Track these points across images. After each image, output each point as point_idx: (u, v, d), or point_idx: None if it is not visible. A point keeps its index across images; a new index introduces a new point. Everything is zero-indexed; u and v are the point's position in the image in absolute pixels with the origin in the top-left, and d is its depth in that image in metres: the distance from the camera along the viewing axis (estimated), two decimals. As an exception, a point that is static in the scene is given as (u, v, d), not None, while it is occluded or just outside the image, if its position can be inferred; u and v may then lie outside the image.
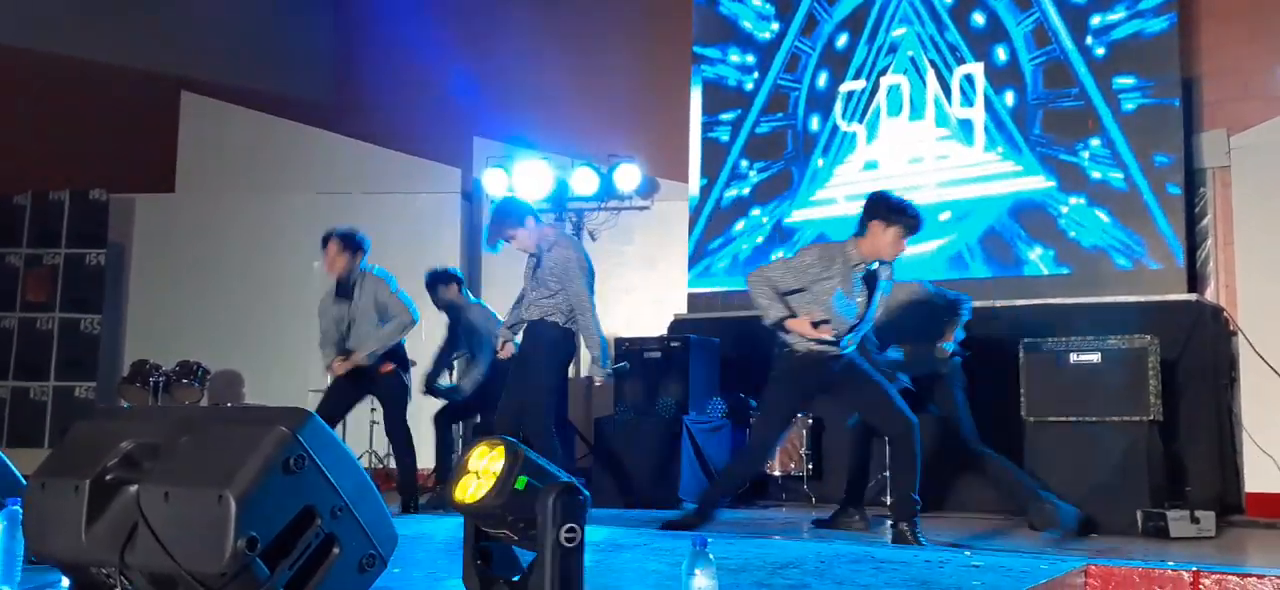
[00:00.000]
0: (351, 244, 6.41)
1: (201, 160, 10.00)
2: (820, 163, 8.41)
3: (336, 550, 2.26)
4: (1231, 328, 7.01)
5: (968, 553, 4.03)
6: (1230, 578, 3.45)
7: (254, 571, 2.14)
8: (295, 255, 9.65)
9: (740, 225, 8.69)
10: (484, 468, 2.10)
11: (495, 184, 9.32)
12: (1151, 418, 5.79)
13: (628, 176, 9.03)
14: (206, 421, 2.53)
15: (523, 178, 9.06)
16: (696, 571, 2.04)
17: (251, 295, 9.47)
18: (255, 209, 9.67)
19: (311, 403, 8.56)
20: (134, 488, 2.35)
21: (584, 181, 9.07)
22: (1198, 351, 6.73)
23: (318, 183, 9.75)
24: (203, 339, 9.09)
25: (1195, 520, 5.42)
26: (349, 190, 9.68)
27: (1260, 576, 3.39)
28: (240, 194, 9.75)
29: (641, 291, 9.02)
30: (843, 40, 8.40)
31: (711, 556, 2.06)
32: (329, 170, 9.83)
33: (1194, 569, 3.51)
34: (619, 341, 7.99)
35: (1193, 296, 7.00)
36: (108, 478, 2.40)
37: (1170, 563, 3.57)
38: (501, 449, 2.08)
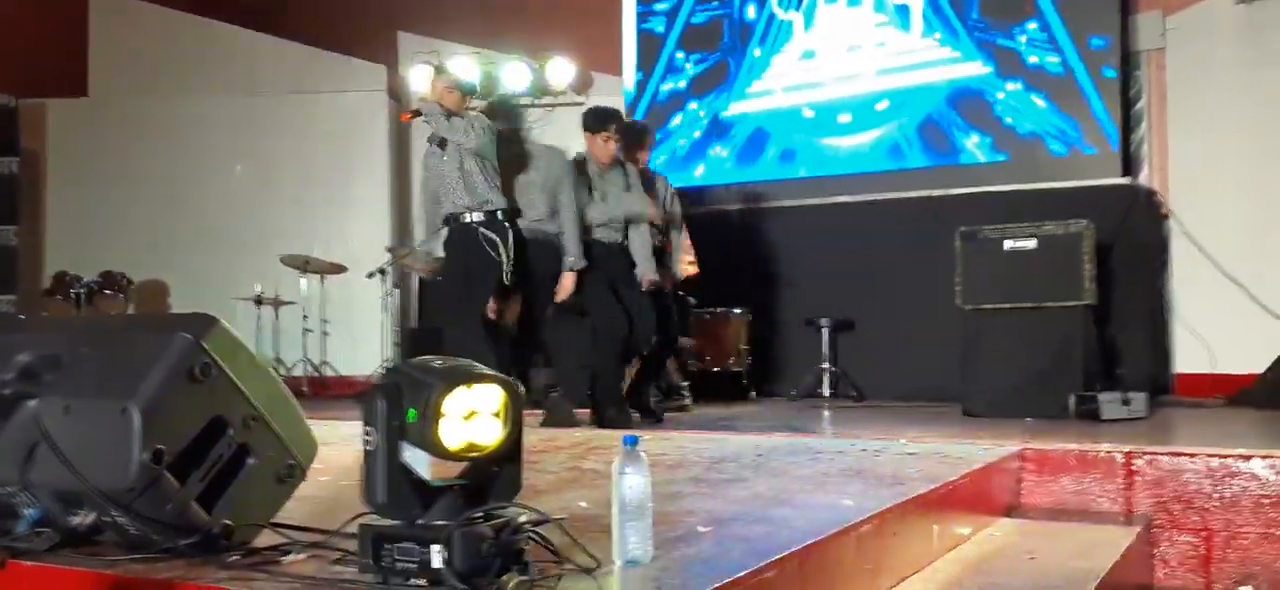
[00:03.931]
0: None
1: (115, 62, 9.58)
2: (757, 53, 8.27)
3: (251, 460, 2.15)
4: (1164, 211, 7.08)
5: (903, 441, 4.04)
6: (1161, 456, 3.49)
7: (163, 485, 2.03)
8: (217, 158, 9.36)
9: (677, 119, 8.55)
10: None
11: (421, 80, 9.04)
12: (1086, 302, 5.84)
13: (560, 71, 8.82)
14: (108, 331, 2.39)
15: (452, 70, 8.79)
16: (629, 469, 1.97)
17: (173, 201, 9.18)
18: (174, 112, 9.31)
19: (240, 310, 8.41)
20: (33, 402, 2.22)
21: (515, 77, 8.85)
22: (1131, 236, 6.81)
23: (238, 84, 9.41)
24: (125, 248, 8.81)
25: (1126, 402, 5.49)
26: (271, 91, 9.36)
27: (1191, 454, 3.44)
28: (158, 97, 9.36)
29: (578, 189, 8.87)
30: (779, -75, 8.22)
31: (643, 453, 1.99)
32: (249, 71, 9.48)
33: (1127, 450, 3.55)
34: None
35: (1127, 181, 7.05)
36: (4, 392, 2.26)
37: (1105, 445, 3.60)
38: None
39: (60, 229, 9.37)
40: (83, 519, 2.16)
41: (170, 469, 2.03)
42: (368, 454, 1.86)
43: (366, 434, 1.85)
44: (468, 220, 5.33)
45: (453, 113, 5.36)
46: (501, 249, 5.33)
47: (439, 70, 5.97)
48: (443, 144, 5.36)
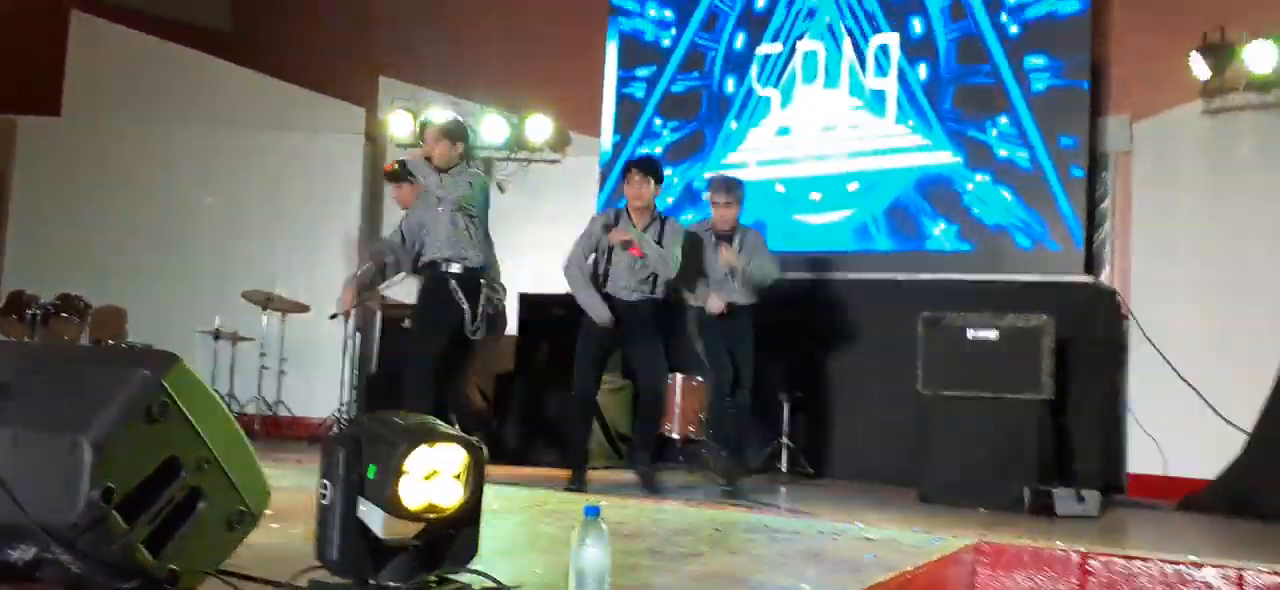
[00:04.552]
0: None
1: (90, 84, 9.49)
2: (734, 125, 8.35)
3: (202, 504, 2.11)
4: (1124, 311, 7.17)
5: (860, 525, 4.04)
6: (1116, 560, 3.50)
7: (111, 525, 1.98)
8: (186, 188, 9.28)
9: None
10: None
11: (401, 126, 9.05)
12: (1044, 396, 5.89)
13: (539, 128, 8.85)
14: (63, 361, 2.35)
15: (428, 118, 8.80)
16: (588, 541, 1.95)
17: (139, 228, 9.07)
18: (146, 138, 9.24)
19: (198, 343, 8.29)
20: (-21, 429, 2.16)
21: (493, 130, 8.87)
22: (1091, 333, 6.88)
23: (213, 114, 9.36)
24: (85, 271, 8.66)
25: (1080, 499, 5.52)
26: (246, 124, 9.31)
27: (1145, 558, 3.45)
28: (130, 121, 9.29)
29: (549, 247, 8.84)
30: (762, 1, 8.33)
31: (603, 526, 1.97)
32: (225, 102, 9.43)
33: (1082, 550, 3.56)
34: (523, 298, 7.86)
35: (1089, 278, 7.15)
36: (-49, 419, 2.20)
37: (1059, 543, 3.61)
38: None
39: (21, 247, 9.22)
40: (22, 554, 2.10)
41: (119, 509, 1.98)
42: (323, 507, 1.83)
43: (323, 487, 1.83)
44: (444, 270, 5.39)
45: (441, 167, 5.40)
46: (466, 301, 5.35)
47: (427, 124, 5.97)
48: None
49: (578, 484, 5.43)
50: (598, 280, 5.76)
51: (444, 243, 5.38)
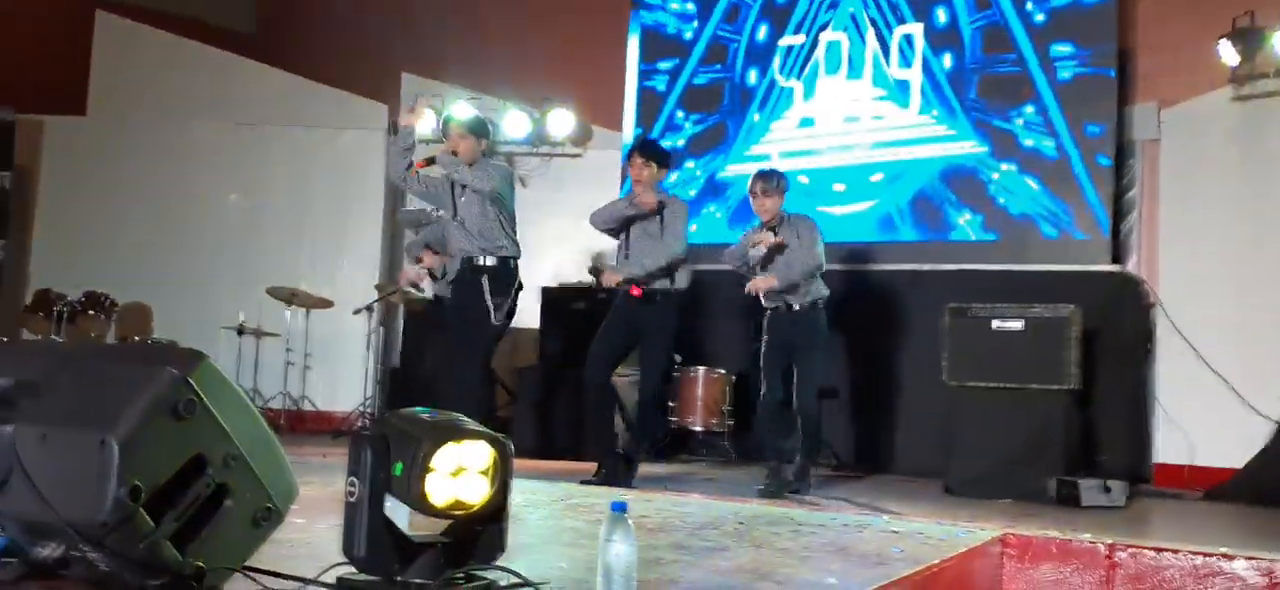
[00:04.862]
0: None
1: (115, 83, 9.56)
2: (756, 117, 8.32)
3: (229, 502, 2.11)
4: (1151, 300, 7.10)
5: (885, 518, 4.02)
6: (1145, 551, 3.47)
7: (137, 522, 1.98)
8: (211, 186, 9.34)
9: (674, 177, 8.55)
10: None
11: (422, 122, 9.05)
12: (1070, 386, 5.84)
13: (561, 122, 8.85)
14: (90, 359, 2.36)
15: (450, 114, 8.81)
16: (615, 537, 1.94)
17: (164, 226, 9.13)
18: (171, 137, 9.30)
19: (222, 339, 8.35)
20: (9, 428, 2.18)
21: (515, 124, 8.88)
22: (1118, 322, 6.82)
23: (237, 113, 9.40)
24: (111, 270, 8.73)
25: (1106, 490, 5.48)
26: (270, 121, 9.36)
27: (1175, 550, 3.41)
28: (155, 120, 9.35)
29: (571, 241, 8.86)
30: (785, -8, 8.30)
31: (630, 523, 1.96)
32: (249, 100, 9.47)
33: (1109, 542, 3.52)
34: (545, 291, 7.86)
35: (1116, 268, 7.08)
36: (-21, 416, 2.21)
37: (1086, 535, 3.58)
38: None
39: (48, 246, 9.30)
40: (51, 552, 2.11)
41: (146, 506, 1.99)
42: (350, 505, 1.83)
43: (350, 484, 1.83)
44: (480, 263, 5.42)
45: (465, 162, 5.45)
46: (497, 295, 5.37)
47: (449, 121, 5.99)
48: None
49: (602, 477, 5.42)
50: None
51: (477, 233, 5.43)
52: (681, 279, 5.73)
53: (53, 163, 9.44)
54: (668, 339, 5.82)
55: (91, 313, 8.35)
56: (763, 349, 5.74)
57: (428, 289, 7.92)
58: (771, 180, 5.79)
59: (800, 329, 5.65)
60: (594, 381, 5.77)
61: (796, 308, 5.65)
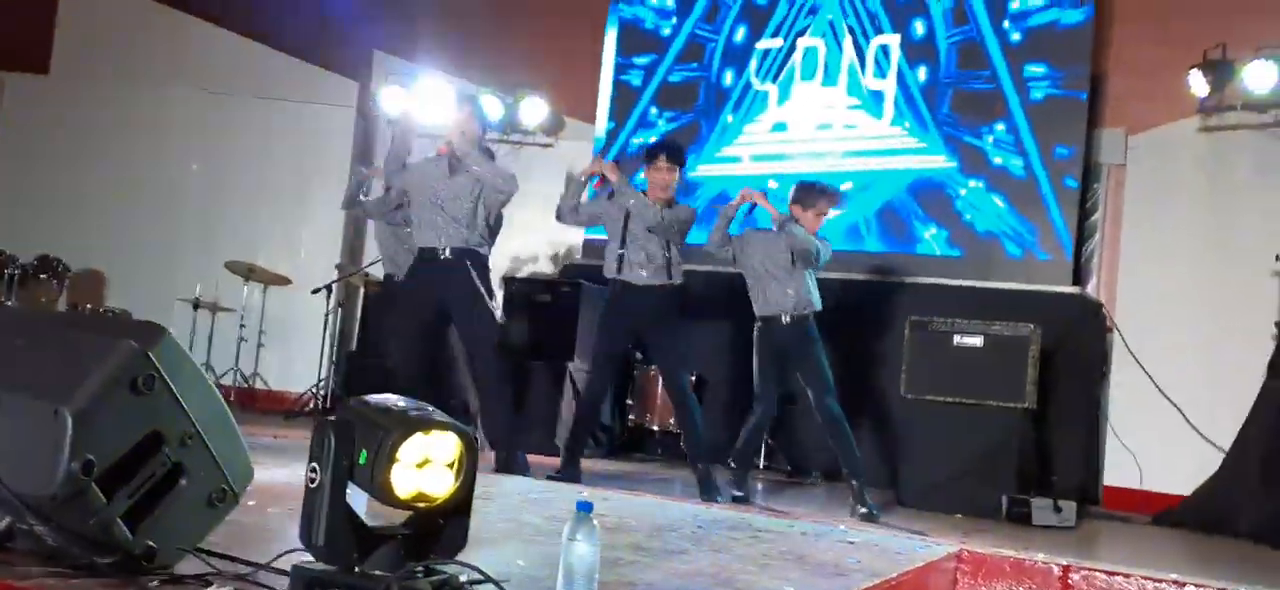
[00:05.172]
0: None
1: (80, 43, 9.38)
2: (730, 119, 8.32)
3: (184, 481, 2.06)
4: (1108, 324, 7.19)
5: (842, 527, 4.02)
6: (1098, 574, 3.50)
7: (89, 497, 1.93)
8: (173, 154, 9.18)
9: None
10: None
11: (393, 102, 8.97)
12: (1026, 405, 5.88)
13: (533, 110, 8.78)
14: (48, 327, 2.29)
15: (423, 98, 8.72)
16: (579, 536, 1.92)
17: (123, 192, 8.97)
18: (135, 100, 9.13)
19: (178, 312, 8.21)
20: (-43, 394, 2.11)
21: (488, 110, 8.78)
22: (1075, 344, 6.89)
23: (204, 79, 9.24)
24: (66, 234, 8.52)
25: (1058, 509, 5.53)
26: (237, 91, 9.20)
27: (1127, 574, 3.45)
28: (120, 83, 9.17)
29: (538, 232, 8.81)
30: (764, -5, 8.30)
31: (595, 523, 1.94)
32: (217, 68, 9.31)
33: (1064, 563, 3.55)
34: (509, 282, 7.81)
35: (1076, 290, 7.16)
36: (-73, 380, 2.14)
37: (1041, 556, 3.60)
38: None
39: (2, 206, 9.10)
40: (-5, 523, 2.06)
41: (99, 482, 1.93)
42: (310, 491, 1.79)
43: (311, 470, 1.79)
44: (446, 256, 5.23)
45: (466, 148, 5.27)
46: (484, 283, 5.27)
47: (464, 100, 5.76)
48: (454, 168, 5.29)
49: (566, 475, 5.34)
50: (615, 267, 5.53)
51: (464, 226, 5.24)
52: (677, 275, 5.55)
53: (11, 120, 9.25)
54: (677, 330, 5.56)
55: (43, 277, 8.14)
56: (755, 363, 5.58)
57: (378, 271, 7.82)
58: (812, 191, 5.64)
59: (793, 339, 5.46)
60: (596, 396, 5.60)
61: (786, 320, 5.46)
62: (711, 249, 5.74)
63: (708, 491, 5.17)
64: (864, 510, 5.05)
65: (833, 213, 5.81)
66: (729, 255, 5.71)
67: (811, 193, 5.59)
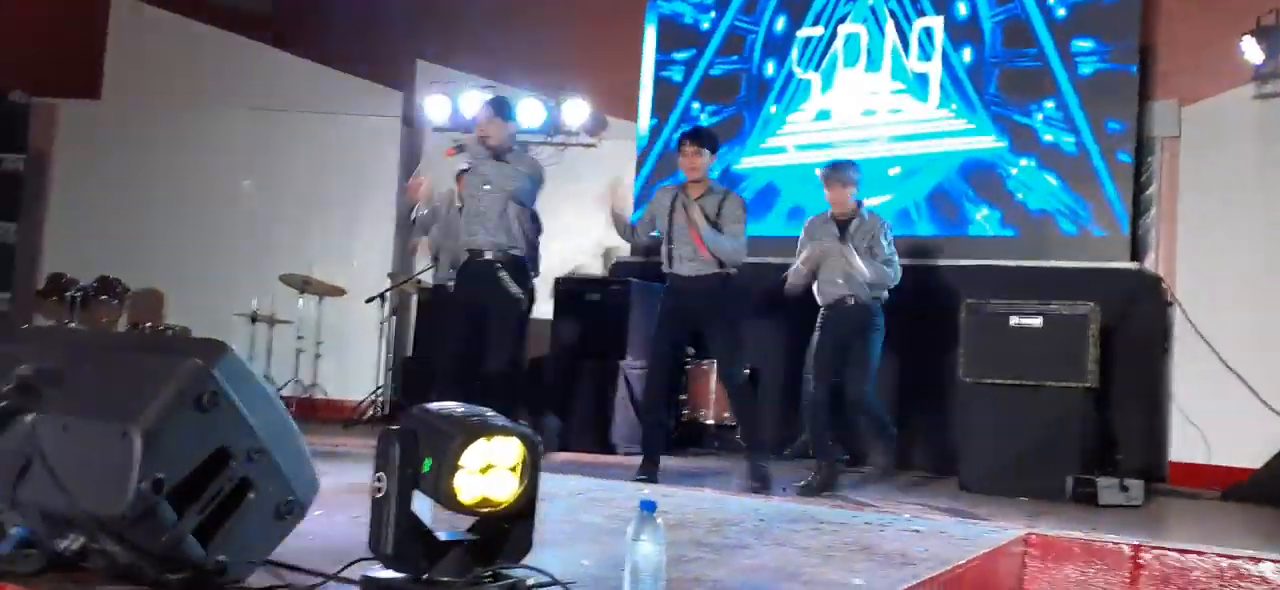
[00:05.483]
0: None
1: (130, 67, 9.54)
2: (773, 109, 8.26)
3: (252, 495, 2.08)
4: (1169, 299, 7.05)
5: (907, 516, 3.98)
6: (1170, 553, 3.43)
7: (160, 515, 1.96)
8: (225, 172, 9.31)
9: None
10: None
11: (437, 110, 9.04)
12: (1088, 385, 5.80)
13: (575, 111, 8.80)
14: (114, 349, 2.33)
15: (466, 105, 8.78)
16: (644, 536, 1.91)
17: (177, 212, 9.11)
18: (185, 122, 9.27)
19: (236, 326, 8.34)
20: (30, 417, 2.15)
21: (530, 113, 8.81)
22: (1135, 320, 6.77)
23: (251, 98, 9.36)
24: (124, 255, 8.70)
25: (1124, 488, 5.44)
26: (284, 107, 9.31)
27: (1200, 552, 3.38)
28: (170, 105, 9.32)
29: (585, 233, 8.83)
30: (803, -16, 8.24)
31: (660, 523, 1.93)
32: (264, 85, 9.43)
33: (1134, 543, 3.49)
34: (559, 282, 7.83)
35: (1134, 265, 7.03)
36: (1, 404, 2.19)
37: (1110, 536, 3.54)
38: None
39: (61, 230, 9.30)
40: (71, 543, 2.09)
41: (168, 499, 1.96)
42: (376, 501, 1.80)
43: (377, 480, 1.80)
44: (488, 258, 5.31)
45: (498, 150, 5.33)
46: (520, 289, 5.30)
47: (485, 104, 5.81)
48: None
49: (646, 475, 5.35)
50: (667, 262, 5.58)
51: (495, 229, 5.31)
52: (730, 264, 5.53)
53: (67, 146, 9.43)
54: (733, 322, 5.57)
55: (103, 298, 8.33)
56: (814, 345, 5.60)
57: (428, 278, 7.88)
58: (841, 170, 5.68)
59: (854, 324, 5.50)
60: (655, 392, 5.62)
61: (852, 303, 5.51)
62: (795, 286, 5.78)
63: (760, 482, 5.17)
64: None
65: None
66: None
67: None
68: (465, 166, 5.80)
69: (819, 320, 5.68)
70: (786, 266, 5.89)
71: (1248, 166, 6.92)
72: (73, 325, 8.03)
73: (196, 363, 2.02)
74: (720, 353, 5.57)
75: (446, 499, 1.72)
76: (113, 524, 1.96)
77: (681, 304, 5.50)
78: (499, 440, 1.77)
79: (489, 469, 1.76)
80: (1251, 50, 6.59)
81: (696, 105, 8.57)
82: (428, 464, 1.74)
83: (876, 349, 5.59)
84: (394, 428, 1.82)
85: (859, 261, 5.51)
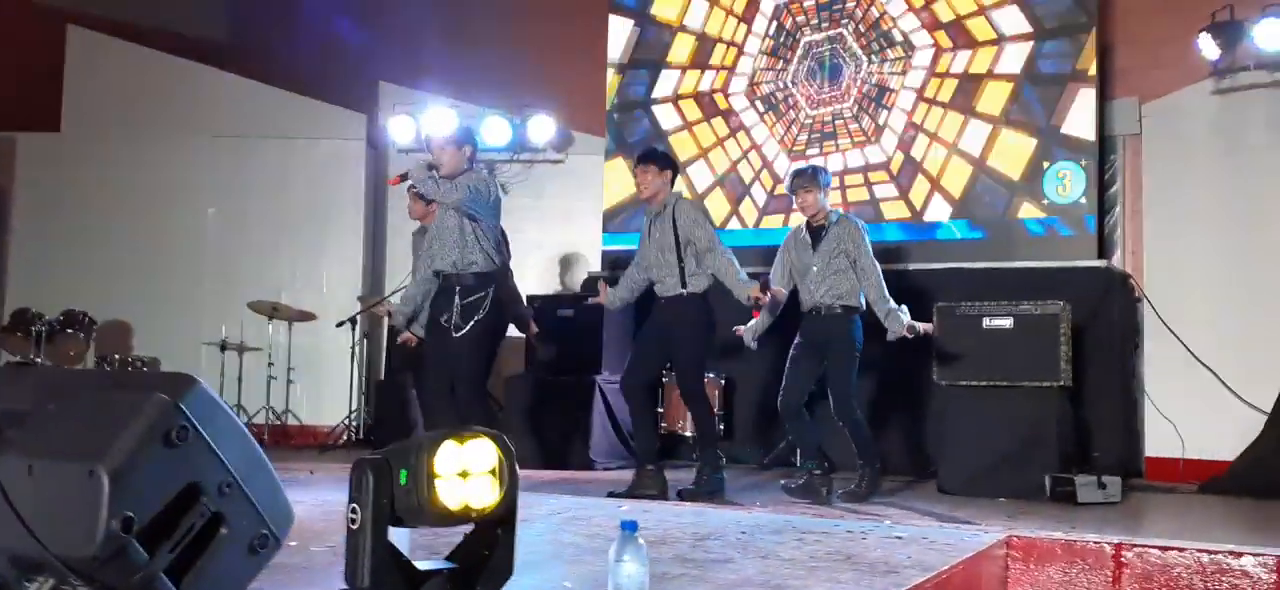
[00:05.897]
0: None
1: (89, 99, 9.39)
2: (738, 120, 8.27)
3: (224, 530, 2.03)
4: (1137, 294, 7.11)
5: (887, 522, 3.97)
6: (1151, 550, 3.44)
7: (130, 555, 1.90)
8: (188, 199, 9.20)
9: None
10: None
11: (401, 131, 8.99)
12: (1062, 383, 5.83)
13: (541, 128, 8.77)
14: (78, 386, 2.28)
15: (431, 126, 8.72)
16: (626, 556, 1.88)
17: (142, 242, 8.98)
18: (147, 151, 9.15)
19: (206, 356, 8.23)
20: (-7, 459, 2.10)
21: (495, 132, 8.79)
22: (1106, 317, 6.82)
23: (213, 125, 9.25)
24: (89, 287, 8.57)
25: (1102, 486, 5.47)
26: (247, 133, 9.22)
27: (1181, 548, 3.39)
28: (131, 135, 9.20)
29: (554, 248, 8.81)
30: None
31: (642, 543, 1.90)
32: (225, 112, 9.32)
33: (1116, 541, 3.50)
34: (531, 299, 7.78)
35: (1102, 263, 7.08)
36: (-36, 448, 2.13)
37: (1091, 535, 3.55)
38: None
39: (24, 265, 9.14)
40: (40, 587, 2.04)
41: (139, 538, 1.91)
42: (352, 533, 1.77)
43: (351, 511, 1.76)
44: (448, 276, 5.31)
45: (448, 174, 5.28)
46: (467, 310, 5.24)
47: (452, 135, 5.75)
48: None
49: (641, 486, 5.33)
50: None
51: (453, 248, 5.29)
52: (695, 285, 5.50)
53: (27, 180, 9.28)
54: (694, 336, 5.54)
55: (70, 331, 8.20)
56: (793, 349, 5.61)
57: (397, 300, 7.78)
58: (802, 177, 5.67)
59: (832, 332, 5.49)
60: (632, 385, 5.60)
61: (828, 311, 5.50)
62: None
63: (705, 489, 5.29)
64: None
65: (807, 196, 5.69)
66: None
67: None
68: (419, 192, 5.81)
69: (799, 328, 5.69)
70: (754, 275, 5.84)
71: (1209, 160, 7.00)
72: (39, 361, 7.89)
73: (164, 398, 1.97)
74: (680, 363, 5.60)
75: (429, 510, 1.69)
76: (82, 566, 1.91)
77: (655, 323, 5.60)
78: (471, 443, 1.74)
79: (467, 475, 1.73)
80: (1208, 46, 6.67)
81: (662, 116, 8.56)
82: (403, 475, 1.71)
83: (856, 356, 5.58)
84: (366, 457, 1.78)
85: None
